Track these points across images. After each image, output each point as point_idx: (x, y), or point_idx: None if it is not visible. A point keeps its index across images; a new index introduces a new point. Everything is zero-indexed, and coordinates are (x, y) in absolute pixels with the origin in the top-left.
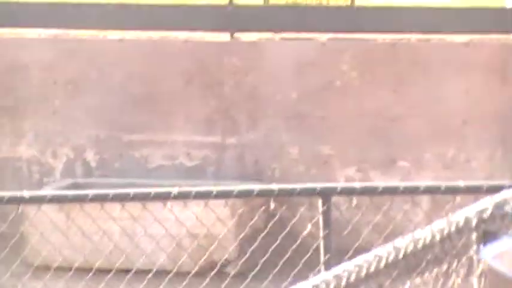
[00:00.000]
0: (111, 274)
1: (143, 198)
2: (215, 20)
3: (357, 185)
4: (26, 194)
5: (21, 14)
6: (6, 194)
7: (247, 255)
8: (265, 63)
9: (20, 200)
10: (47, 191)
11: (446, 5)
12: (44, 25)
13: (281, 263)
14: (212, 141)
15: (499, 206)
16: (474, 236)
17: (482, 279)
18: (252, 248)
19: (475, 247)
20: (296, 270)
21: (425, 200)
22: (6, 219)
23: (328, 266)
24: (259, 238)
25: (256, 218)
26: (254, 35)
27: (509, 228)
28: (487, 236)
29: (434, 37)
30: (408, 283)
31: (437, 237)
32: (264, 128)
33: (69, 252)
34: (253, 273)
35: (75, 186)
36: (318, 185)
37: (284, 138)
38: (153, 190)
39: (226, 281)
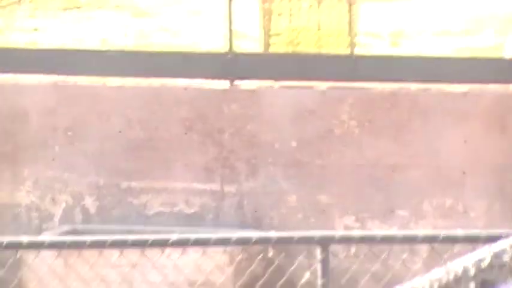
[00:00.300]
0: None
1: (142, 244)
2: (215, 68)
3: (356, 233)
4: (25, 239)
5: (21, 60)
6: (5, 239)
7: None
8: (264, 111)
9: (18, 246)
10: (46, 237)
11: (446, 54)
12: (44, 71)
13: None
14: (211, 189)
15: (497, 256)
16: (472, 285)
17: None
18: None
19: None
20: None
21: (423, 249)
22: (5, 264)
23: None
24: (258, 286)
25: (254, 265)
26: (254, 83)
27: (507, 277)
28: (484, 285)
29: (434, 86)
30: None
31: (436, 286)
32: (263, 176)
33: None
34: None
35: (74, 232)
36: (317, 233)
37: (283, 187)
38: (151, 237)
39: None
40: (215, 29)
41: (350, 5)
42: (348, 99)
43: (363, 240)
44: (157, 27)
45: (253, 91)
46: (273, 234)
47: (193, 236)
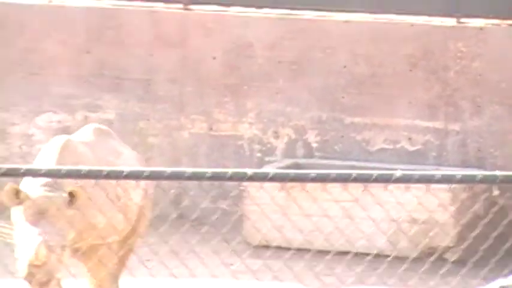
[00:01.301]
0: (330, 255)
1: (365, 180)
2: (442, 5)
3: None
4: (249, 171)
5: None
6: (229, 170)
7: (468, 242)
8: (491, 50)
9: (242, 177)
10: (269, 169)
11: None
12: (270, 5)
13: (502, 251)
14: (434, 127)
15: None
16: None
17: None
18: (473, 235)
19: None
20: None
21: None
22: (227, 196)
23: None
24: (481, 225)
25: (478, 205)
26: (480, 21)
27: None
28: None
29: None
30: None
31: None
32: (488, 116)
33: (289, 232)
34: (473, 260)
35: (296, 166)
36: None
37: (508, 126)
38: (375, 172)
39: (446, 268)
40: None
41: None
42: None
43: None
44: None
45: (480, 29)
46: (498, 173)
47: (417, 173)
